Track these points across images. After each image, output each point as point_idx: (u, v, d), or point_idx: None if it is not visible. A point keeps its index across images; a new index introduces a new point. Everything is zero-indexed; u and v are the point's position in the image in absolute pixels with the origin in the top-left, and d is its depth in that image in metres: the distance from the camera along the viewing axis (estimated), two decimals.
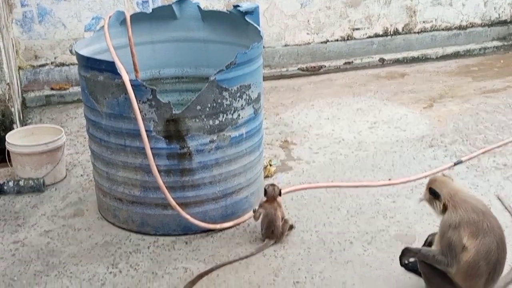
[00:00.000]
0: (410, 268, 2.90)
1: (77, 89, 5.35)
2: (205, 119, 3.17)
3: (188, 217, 3.23)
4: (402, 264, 2.85)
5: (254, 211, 3.30)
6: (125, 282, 2.91)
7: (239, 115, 3.28)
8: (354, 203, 3.65)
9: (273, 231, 3.20)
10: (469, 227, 2.58)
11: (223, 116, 3.22)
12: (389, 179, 3.94)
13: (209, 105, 3.15)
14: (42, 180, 3.78)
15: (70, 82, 5.58)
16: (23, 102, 5.31)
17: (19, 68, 5.43)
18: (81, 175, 4.04)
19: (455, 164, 4.10)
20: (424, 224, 3.35)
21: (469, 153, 4.29)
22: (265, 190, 3.30)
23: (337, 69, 6.42)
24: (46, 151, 3.83)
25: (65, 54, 5.53)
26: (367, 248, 3.18)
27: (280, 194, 3.31)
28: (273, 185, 3.32)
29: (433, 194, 2.70)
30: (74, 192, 3.82)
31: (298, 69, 6.31)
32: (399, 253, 3.04)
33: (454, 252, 2.60)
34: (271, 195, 3.27)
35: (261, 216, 3.24)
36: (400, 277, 2.92)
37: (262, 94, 3.49)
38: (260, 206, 3.30)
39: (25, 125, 4.74)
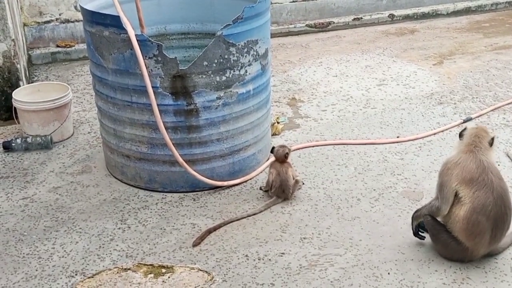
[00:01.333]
0: (423, 237, 2.84)
1: (83, 46, 5.31)
2: (212, 75, 3.14)
3: (195, 174, 3.23)
4: (414, 234, 2.84)
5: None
6: (134, 237, 2.94)
7: (246, 71, 3.24)
8: (361, 160, 3.64)
9: (284, 190, 3.20)
10: (463, 174, 2.60)
11: (230, 72, 3.18)
12: (397, 136, 3.92)
13: (216, 61, 3.11)
14: (49, 137, 3.78)
15: (75, 39, 5.52)
16: (29, 59, 5.27)
17: (24, 24, 5.37)
18: (89, 133, 4.04)
19: (464, 121, 4.06)
20: (432, 181, 3.33)
21: (478, 110, 4.25)
22: (274, 150, 3.28)
23: (346, 26, 6.32)
24: (53, 108, 3.82)
25: (70, 11, 5.46)
26: (374, 204, 3.18)
27: (288, 155, 3.30)
28: (283, 146, 3.30)
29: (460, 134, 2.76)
30: (82, 149, 3.82)
31: (306, 25, 6.21)
32: (406, 210, 3.06)
33: (444, 193, 2.64)
34: (281, 157, 3.25)
35: (273, 176, 3.23)
36: (407, 233, 2.92)
37: (269, 50, 3.44)
38: (271, 166, 3.29)
39: (31, 82, 4.72)
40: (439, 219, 2.73)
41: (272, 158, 3.34)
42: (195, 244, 2.88)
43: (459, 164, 2.64)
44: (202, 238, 2.91)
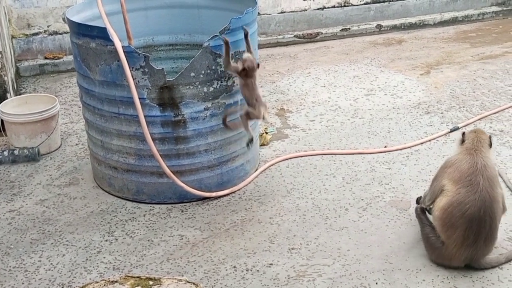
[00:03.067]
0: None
1: (71, 58, 5.29)
2: (199, 86, 3.14)
3: (183, 185, 3.23)
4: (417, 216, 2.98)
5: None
6: (121, 249, 2.93)
7: (233, 82, 3.25)
8: (349, 170, 3.65)
9: (256, 99, 3.12)
10: (455, 172, 2.72)
11: (217, 83, 3.19)
12: (385, 146, 3.94)
13: (203, 72, 3.12)
14: (37, 149, 3.77)
15: (63, 51, 5.51)
16: (17, 71, 5.26)
17: (12, 37, 5.36)
18: (76, 144, 4.03)
19: (451, 130, 4.09)
20: (419, 190, 3.35)
21: (465, 120, 4.28)
22: (244, 60, 3.10)
23: (334, 36, 6.36)
24: (41, 120, 3.81)
25: (58, 23, 5.46)
26: (362, 214, 3.19)
27: (258, 67, 3.14)
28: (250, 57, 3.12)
29: (462, 138, 2.86)
30: (69, 161, 3.81)
31: (295, 36, 6.24)
32: (394, 219, 3.08)
33: (432, 187, 2.83)
34: (251, 68, 3.09)
35: (243, 89, 3.12)
36: (395, 242, 2.93)
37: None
38: (238, 74, 3.12)
39: (19, 94, 4.70)
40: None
41: (238, 68, 3.10)
42: None
43: (455, 163, 2.76)
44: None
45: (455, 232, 2.65)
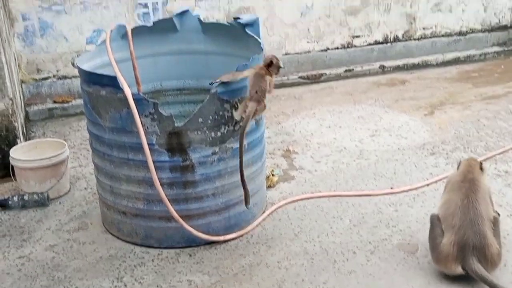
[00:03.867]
0: None
1: (80, 101, 5.38)
2: (207, 131, 3.20)
3: (191, 229, 3.25)
4: None
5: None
6: None
7: (240, 126, 3.30)
8: (356, 212, 3.67)
9: (256, 91, 3.15)
10: (449, 184, 3.21)
11: (224, 128, 3.24)
12: (391, 188, 3.96)
13: (210, 117, 3.18)
14: (46, 194, 3.81)
15: (72, 95, 5.61)
16: (26, 116, 5.34)
17: (22, 82, 5.47)
18: (85, 188, 4.07)
19: None
20: (426, 232, 3.33)
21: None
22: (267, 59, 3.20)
23: (338, 77, 6.45)
24: (50, 165, 3.86)
25: (67, 67, 5.57)
26: (370, 258, 3.19)
27: (278, 71, 3.24)
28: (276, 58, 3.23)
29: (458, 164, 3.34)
30: (78, 206, 3.84)
31: (299, 77, 6.34)
32: (402, 263, 3.09)
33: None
34: (272, 64, 3.18)
35: (251, 78, 3.16)
36: (403, 286, 2.93)
37: None
38: (253, 68, 3.21)
39: (29, 138, 4.77)
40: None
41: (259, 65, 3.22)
42: None
43: (450, 180, 3.25)
44: None
45: (447, 224, 2.96)
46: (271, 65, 3.22)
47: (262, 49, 3.48)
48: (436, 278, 2.98)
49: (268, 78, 3.20)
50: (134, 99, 3.06)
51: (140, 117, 3.07)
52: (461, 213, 2.95)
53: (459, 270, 2.88)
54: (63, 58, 5.55)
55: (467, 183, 3.08)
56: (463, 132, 4.86)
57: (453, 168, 4.15)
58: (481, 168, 3.21)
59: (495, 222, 2.99)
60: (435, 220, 3.07)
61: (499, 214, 3.11)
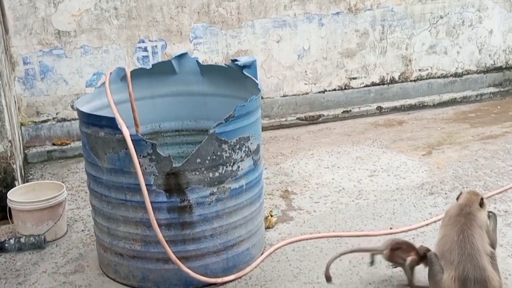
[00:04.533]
0: None
1: (78, 143, 5.40)
2: (205, 172, 3.20)
3: (189, 271, 3.21)
4: None
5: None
6: None
7: (238, 167, 3.31)
8: (356, 253, 3.63)
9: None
10: (446, 218, 3.15)
11: (223, 168, 3.25)
12: (390, 228, 3.94)
13: (208, 158, 3.18)
14: (43, 237, 3.78)
15: (71, 137, 5.64)
16: (25, 158, 5.35)
17: (21, 124, 5.50)
18: (82, 230, 4.04)
19: None
20: (425, 273, 3.31)
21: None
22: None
23: (336, 118, 6.49)
24: (47, 207, 3.84)
25: (66, 110, 5.61)
26: None
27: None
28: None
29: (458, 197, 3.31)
30: (75, 248, 3.81)
31: (297, 118, 6.38)
32: None
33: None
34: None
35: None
36: None
37: (261, 145, 3.53)
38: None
39: (27, 181, 4.77)
40: None
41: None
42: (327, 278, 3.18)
43: (448, 213, 3.18)
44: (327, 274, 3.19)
45: (446, 260, 2.93)
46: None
47: (260, 90, 3.52)
48: None
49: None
50: (132, 140, 3.07)
51: (138, 158, 3.08)
52: (458, 249, 2.93)
53: None
54: (63, 101, 5.60)
55: (463, 218, 3.06)
56: (461, 172, 4.87)
57: None
58: (481, 204, 3.17)
59: (492, 256, 2.98)
60: (433, 258, 3.04)
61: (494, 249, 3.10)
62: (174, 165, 3.14)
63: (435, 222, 3.98)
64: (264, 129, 5.87)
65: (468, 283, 2.84)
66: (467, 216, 3.06)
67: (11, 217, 3.94)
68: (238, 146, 3.27)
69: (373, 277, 3.36)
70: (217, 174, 3.23)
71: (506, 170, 4.86)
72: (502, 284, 2.93)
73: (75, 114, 5.36)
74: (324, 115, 6.47)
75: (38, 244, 3.76)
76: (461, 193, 3.30)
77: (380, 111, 6.67)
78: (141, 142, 3.09)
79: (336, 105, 6.64)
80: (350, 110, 6.59)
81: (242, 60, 3.77)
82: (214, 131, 3.16)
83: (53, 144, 5.55)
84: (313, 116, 6.44)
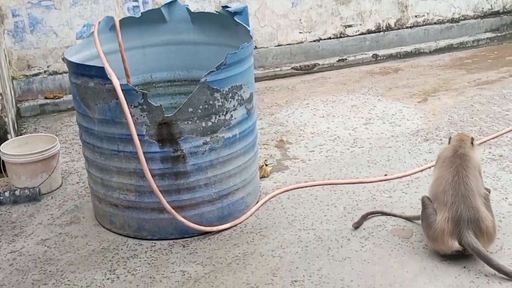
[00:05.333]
0: None
1: (71, 97, 5.32)
2: (197, 121, 3.17)
3: (184, 220, 3.22)
4: None
5: None
6: (123, 287, 2.91)
7: (231, 116, 3.28)
8: (350, 200, 3.65)
9: None
10: (440, 160, 3.18)
11: (215, 118, 3.22)
12: (385, 175, 3.94)
13: (201, 107, 3.15)
14: (38, 189, 3.77)
15: (64, 91, 5.58)
16: (18, 112, 5.31)
17: (13, 78, 5.43)
18: (77, 183, 4.04)
19: None
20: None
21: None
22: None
23: (331, 67, 6.42)
24: (41, 160, 3.83)
25: (58, 63, 5.53)
26: (364, 244, 3.17)
27: None
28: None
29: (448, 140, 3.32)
30: (70, 200, 3.81)
31: (292, 68, 6.31)
32: (396, 248, 3.07)
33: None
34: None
35: None
36: (398, 271, 2.91)
37: (254, 94, 3.49)
38: None
39: (20, 135, 4.74)
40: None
41: None
42: (355, 227, 3.29)
43: (441, 155, 3.24)
44: (359, 223, 3.31)
45: (440, 202, 2.97)
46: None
47: (252, 37, 3.45)
48: (431, 263, 2.96)
49: None
50: (122, 90, 3.03)
51: (129, 108, 3.05)
52: (452, 190, 2.95)
53: (455, 245, 2.87)
54: (54, 53, 5.51)
55: (458, 159, 3.08)
56: (457, 118, 4.84)
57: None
58: (472, 143, 3.21)
59: (486, 197, 3.01)
60: (426, 201, 3.07)
61: (489, 191, 3.12)
62: (166, 115, 3.10)
63: (430, 168, 3.97)
64: (259, 79, 5.82)
65: (461, 223, 2.86)
66: (462, 157, 3.07)
67: (5, 170, 3.93)
68: (230, 95, 3.23)
69: (367, 222, 3.37)
70: (209, 123, 3.21)
71: (501, 115, 4.84)
72: (496, 224, 2.96)
73: (66, 67, 5.28)
74: (319, 64, 6.40)
75: (33, 197, 3.76)
76: (451, 137, 3.33)
77: (376, 59, 6.60)
78: (131, 92, 3.05)
79: (331, 53, 6.56)
80: (346, 59, 6.52)
81: (233, 6, 3.69)
82: (206, 79, 3.12)
83: (46, 98, 5.50)
84: (308, 66, 6.37)
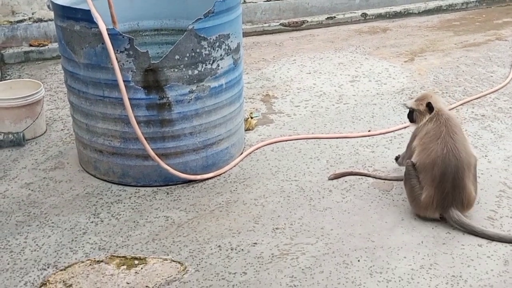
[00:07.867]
0: None
1: (56, 45, 5.27)
2: (184, 69, 3.16)
3: (168, 168, 3.25)
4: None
5: None
6: (107, 230, 2.94)
7: (218, 65, 3.27)
8: (333, 154, 3.69)
9: None
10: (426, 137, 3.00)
11: (202, 66, 3.21)
12: (369, 130, 3.98)
13: (187, 55, 3.13)
14: (22, 134, 3.76)
15: (49, 38, 5.50)
16: (2, 59, 5.24)
17: None
18: (62, 130, 4.03)
19: None
20: (401, 172, 3.37)
21: (448, 105, 4.33)
22: None
23: (320, 25, 6.39)
24: (25, 105, 3.80)
25: (42, 10, 5.44)
26: (345, 195, 3.23)
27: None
28: None
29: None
30: (55, 146, 3.81)
31: (280, 24, 6.27)
32: (376, 200, 3.13)
33: (408, 153, 3.15)
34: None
35: None
36: (377, 222, 2.98)
37: (241, 44, 3.48)
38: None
39: (4, 81, 4.68)
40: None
41: None
42: (330, 178, 3.35)
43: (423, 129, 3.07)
44: (338, 176, 3.35)
45: (426, 174, 2.90)
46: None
47: None
48: (409, 215, 3.03)
49: None
50: (108, 34, 3.00)
51: (115, 53, 3.02)
52: (442, 163, 2.86)
53: (437, 216, 2.93)
54: (38, 0, 5.40)
55: (443, 127, 2.92)
56: (442, 78, 4.88)
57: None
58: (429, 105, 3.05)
59: (474, 166, 2.97)
60: (411, 170, 2.99)
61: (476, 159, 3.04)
62: (152, 61, 3.09)
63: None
64: (247, 34, 5.78)
65: (446, 202, 2.88)
66: (446, 124, 2.94)
67: None
68: (217, 44, 3.22)
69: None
70: (196, 71, 3.20)
71: (486, 77, 4.88)
72: (476, 194, 2.99)
73: (51, 14, 5.20)
74: (308, 21, 6.37)
75: (17, 142, 3.75)
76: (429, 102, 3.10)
77: (365, 18, 6.57)
78: (117, 37, 3.02)
79: (320, 11, 6.52)
80: (335, 17, 6.48)
81: None
82: (193, 27, 3.10)
83: (30, 45, 5.42)
84: (296, 22, 6.33)
